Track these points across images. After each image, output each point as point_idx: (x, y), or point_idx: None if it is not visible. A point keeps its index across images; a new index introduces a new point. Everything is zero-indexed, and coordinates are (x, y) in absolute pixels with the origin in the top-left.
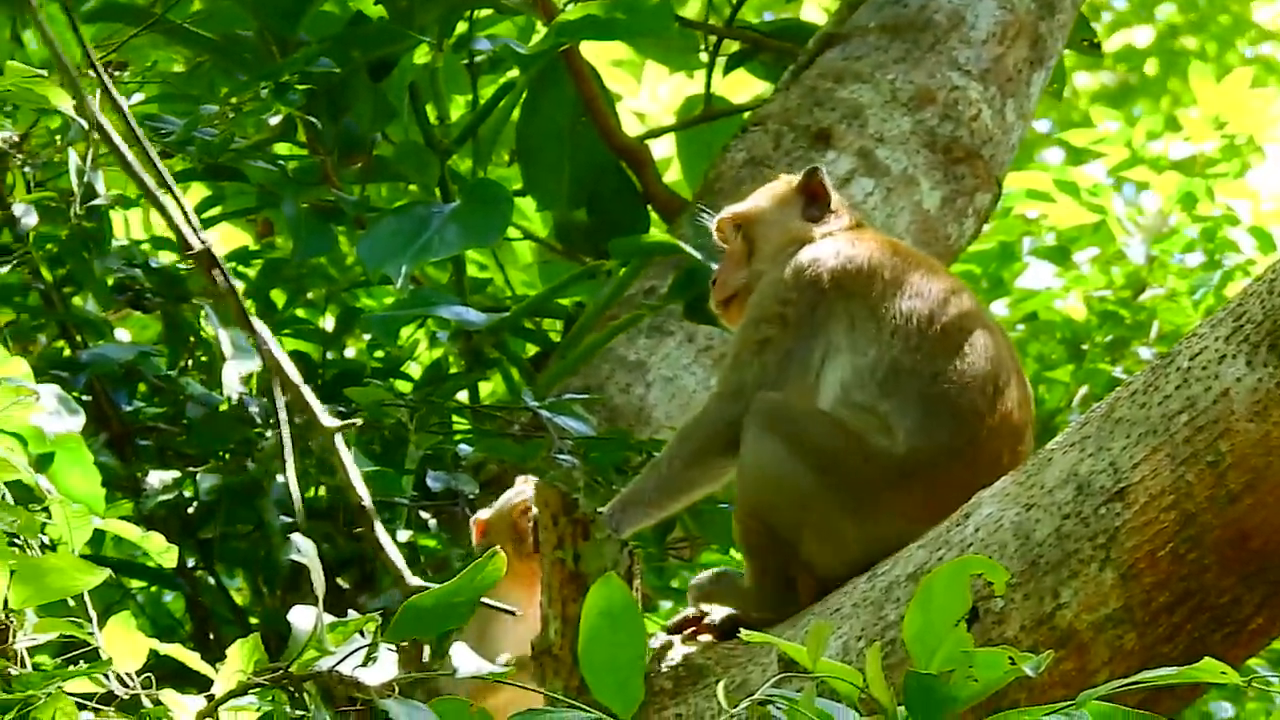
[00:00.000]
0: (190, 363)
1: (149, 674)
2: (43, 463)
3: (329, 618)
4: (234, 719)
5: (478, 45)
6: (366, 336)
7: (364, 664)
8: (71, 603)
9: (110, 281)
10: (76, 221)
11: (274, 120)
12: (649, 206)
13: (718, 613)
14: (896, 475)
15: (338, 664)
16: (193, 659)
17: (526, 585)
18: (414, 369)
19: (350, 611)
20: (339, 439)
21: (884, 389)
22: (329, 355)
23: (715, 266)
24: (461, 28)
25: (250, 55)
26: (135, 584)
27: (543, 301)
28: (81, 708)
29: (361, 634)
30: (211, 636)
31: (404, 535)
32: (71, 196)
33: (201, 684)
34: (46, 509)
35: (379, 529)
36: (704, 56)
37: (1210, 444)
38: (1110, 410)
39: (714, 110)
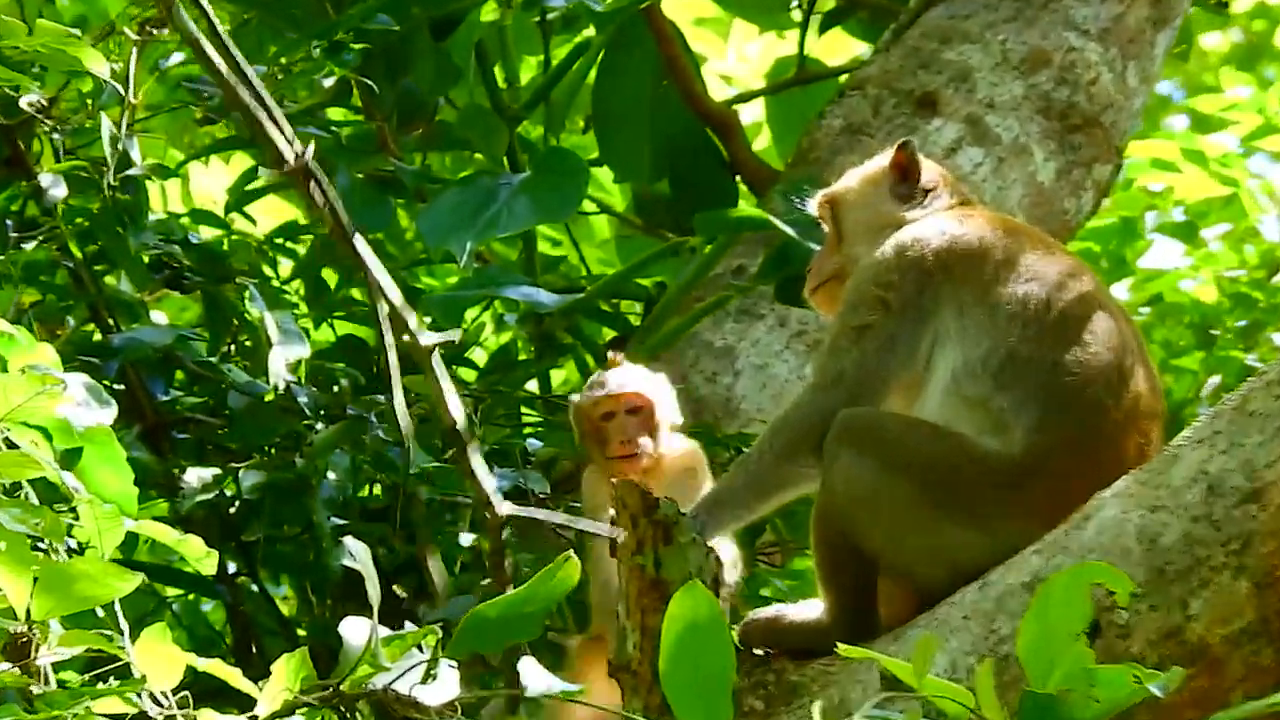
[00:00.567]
0: (233, 348)
1: (185, 692)
2: (70, 459)
3: (384, 630)
4: None
5: (550, 1)
6: (427, 320)
7: (423, 681)
8: (101, 613)
9: (146, 259)
10: (110, 193)
11: (327, 82)
12: (737, 177)
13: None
14: (1012, 476)
15: (394, 681)
16: (234, 675)
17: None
18: (479, 355)
19: (408, 623)
20: (435, 357)
21: (998, 381)
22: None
23: (811, 244)
24: None
25: (301, 11)
26: (171, 592)
27: (620, 281)
28: None
29: (420, 648)
30: (255, 650)
31: (467, 539)
32: (104, 166)
33: (243, 703)
34: (74, 509)
35: (474, 454)
36: (797, 14)
37: None
38: (1244, 402)
39: (807, 73)
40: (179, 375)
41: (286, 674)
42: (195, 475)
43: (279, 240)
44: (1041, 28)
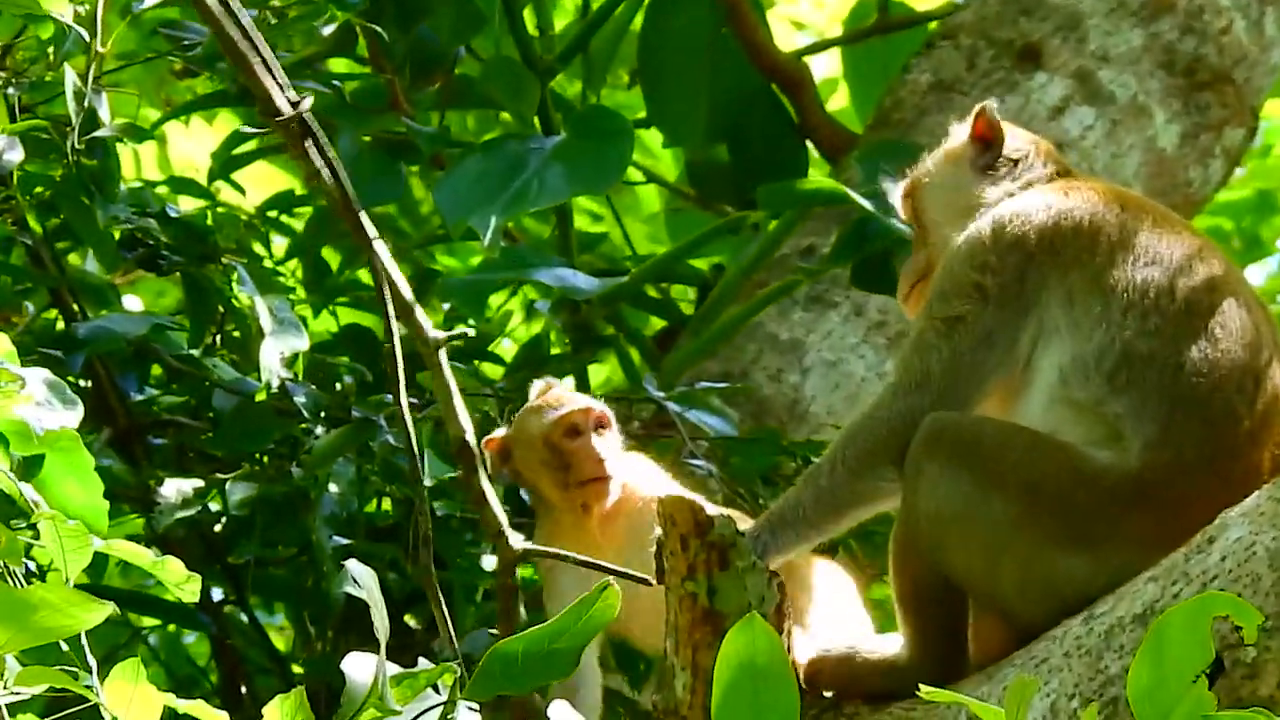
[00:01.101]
0: (218, 339)
1: None
2: (29, 468)
3: (393, 667)
4: None
5: None
6: (446, 306)
7: None
8: (65, 647)
9: (117, 235)
10: (74, 158)
11: (328, 30)
12: (807, 142)
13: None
14: (1127, 495)
15: None
16: (219, 719)
17: (580, 526)
18: (506, 348)
19: (421, 660)
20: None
21: (1113, 383)
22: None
23: (893, 221)
24: None
25: None
26: (147, 622)
27: (671, 263)
28: None
29: (435, 689)
30: (244, 690)
31: (490, 561)
32: (68, 126)
33: None
34: (34, 527)
35: (484, 478)
36: None
37: None
38: None
39: (891, 20)
40: (155, 371)
41: (280, 717)
42: (174, 487)
43: (271, 213)
44: None
